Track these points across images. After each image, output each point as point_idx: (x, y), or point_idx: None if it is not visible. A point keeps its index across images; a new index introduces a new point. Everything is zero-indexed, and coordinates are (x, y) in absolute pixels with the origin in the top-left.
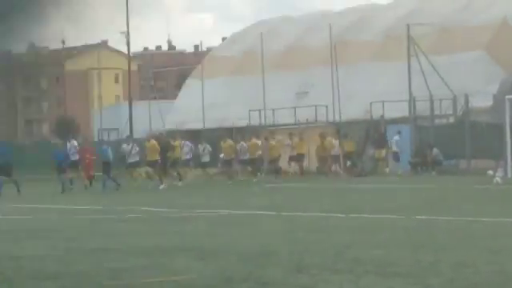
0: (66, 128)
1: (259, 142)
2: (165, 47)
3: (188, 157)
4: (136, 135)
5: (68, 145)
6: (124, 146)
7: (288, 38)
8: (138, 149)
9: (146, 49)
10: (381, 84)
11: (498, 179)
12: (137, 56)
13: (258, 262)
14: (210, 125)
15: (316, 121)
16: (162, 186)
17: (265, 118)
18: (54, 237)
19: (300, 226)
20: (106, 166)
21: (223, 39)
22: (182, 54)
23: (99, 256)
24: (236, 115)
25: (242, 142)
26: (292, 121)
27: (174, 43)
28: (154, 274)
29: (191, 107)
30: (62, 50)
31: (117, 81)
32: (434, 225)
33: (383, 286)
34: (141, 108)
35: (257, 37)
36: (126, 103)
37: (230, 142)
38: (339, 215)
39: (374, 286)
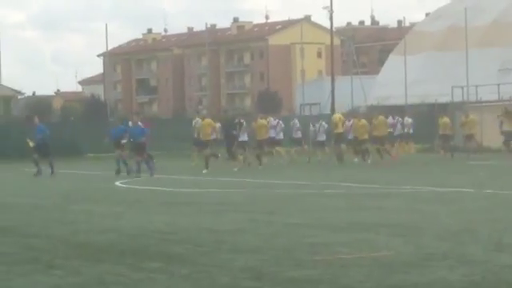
0: (269, 102)
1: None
2: (368, 22)
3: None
4: (339, 110)
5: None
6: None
7: (492, 13)
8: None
9: (349, 24)
10: None
11: None
12: (340, 31)
13: (457, 239)
14: (412, 101)
15: None
16: (204, 171)
17: (467, 94)
18: (254, 210)
19: (501, 203)
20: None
21: (427, 14)
22: (385, 29)
23: (299, 231)
24: (438, 91)
25: (352, 120)
26: (495, 97)
27: (377, 18)
28: (353, 250)
29: (394, 83)
30: (266, 25)
31: (319, 55)
32: None
33: None
34: (343, 83)
35: (461, 12)
36: (329, 78)
37: (338, 115)
38: None
39: None
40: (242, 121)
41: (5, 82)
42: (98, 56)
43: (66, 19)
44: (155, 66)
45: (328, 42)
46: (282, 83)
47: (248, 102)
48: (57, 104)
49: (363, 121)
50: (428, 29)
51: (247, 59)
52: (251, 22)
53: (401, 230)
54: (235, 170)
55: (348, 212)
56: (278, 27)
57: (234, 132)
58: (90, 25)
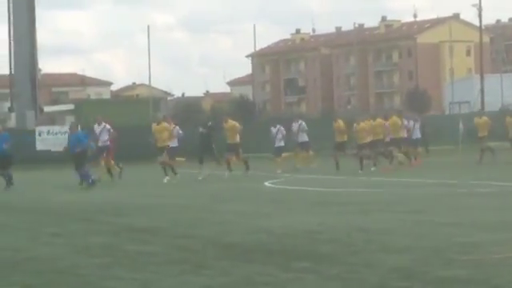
0: (417, 101)
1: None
2: None
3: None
4: (488, 108)
5: (97, 128)
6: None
7: None
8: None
9: (498, 21)
10: None
11: None
12: (489, 28)
13: None
14: None
15: None
16: (165, 179)
17: None
18: (402, 210)
19: None
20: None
21: None
22: None
23: (448, 230)
24: None
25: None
26: None
27: None
28: (504, 249)
29: None
30: (414, 23)
31: (468, 54)
32: None
33: None
34: (492, 81)
35: None
36: (478, 76)
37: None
38: None
39: None
40: (211, 124)
41: (155, 84)
42: (247, 57)
43: (214, 21)
44: (303, 66)
45: (477, 39)
46: (431, 82)
47: (397, 100)
48: (206, 105)
49: (362, 124)
50: None
51: (395, 58)
52: (399, 21)
53: None
54: (199, 178)
55: (499, 211)
56: (426, 25)
57: (201, 129)
58: (237, 26)
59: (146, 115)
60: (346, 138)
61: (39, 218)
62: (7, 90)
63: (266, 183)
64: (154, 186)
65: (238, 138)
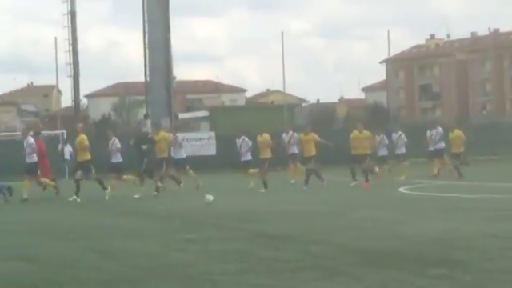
0: None
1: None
2: None
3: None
4: None
5: (24, 142)
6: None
7: None
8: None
9: None
10: None
11: None
12: None
13: None
14: None
15: None
16: (107, 195)
17: None
18: None
19: None
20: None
21: None
22: None
23: None
24: None
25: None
26: None
27: None
28: None
29: None
30: None
31: None
32: None
33: None
34: None
35: None
36: None
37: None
38: None
39: None
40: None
41: (289, 90)
42: (381, 63)
43: (349, 26)
44: (438, 71)
45: None
46: None
47: None
48: (341, 111)
49: (311, 135)
50: None
51: None
52: None
53: None
54: (136, 196)
55: None
56: None
57: (143, 147)
58: (372, 32)
59: (280, 122)
60: (268, 154)
61: (173, 224)
62: (143, 97)
63: (401, 189)
64: (286, 193)
65: (167, 153)
